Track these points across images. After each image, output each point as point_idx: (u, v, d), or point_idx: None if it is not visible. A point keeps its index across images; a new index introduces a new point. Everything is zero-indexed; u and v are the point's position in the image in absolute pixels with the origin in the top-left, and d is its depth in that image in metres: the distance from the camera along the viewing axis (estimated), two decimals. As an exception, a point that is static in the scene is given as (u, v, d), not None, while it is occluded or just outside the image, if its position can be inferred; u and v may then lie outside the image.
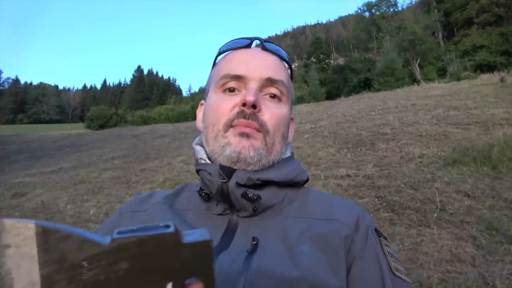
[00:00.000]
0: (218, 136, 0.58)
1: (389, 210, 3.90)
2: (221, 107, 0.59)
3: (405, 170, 4.98)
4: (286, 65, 0.67)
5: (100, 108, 39.32)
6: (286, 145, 0.64)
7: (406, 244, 3.16)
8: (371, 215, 3.78)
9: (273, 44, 0.66)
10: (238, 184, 0.56)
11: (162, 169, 7.34)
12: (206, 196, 0.60)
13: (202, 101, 0.69)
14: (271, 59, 0.63)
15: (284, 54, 0.66)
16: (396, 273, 0.57)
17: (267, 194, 0.58)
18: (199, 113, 0.69)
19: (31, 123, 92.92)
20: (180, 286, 0.31)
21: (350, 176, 5.08)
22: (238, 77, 0.59)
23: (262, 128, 0.57)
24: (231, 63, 0.61)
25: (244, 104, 0.56)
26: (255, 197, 0.56)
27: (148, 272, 0.30)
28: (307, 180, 0.67)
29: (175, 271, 0.31)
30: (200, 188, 0.62)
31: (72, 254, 0.28)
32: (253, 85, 0.58)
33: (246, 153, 0.56)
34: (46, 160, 11.75)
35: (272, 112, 0.59)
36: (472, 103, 9.46)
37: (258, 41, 0.65)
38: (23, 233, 0.28)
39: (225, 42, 0.67)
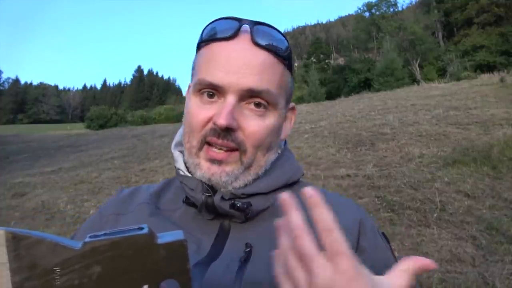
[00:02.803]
0: (192, 152, 0.55)
1: (389, 210, 3.90)
2: (196, 118, 0.53)
3: (405, 170, 4.98)
4: (280, 59, 0.55)
5: (100, 108, 39.30)
6: (274, 153, 0.58)
7: (406, 244, 3.16)
8: (371, 215, 3.78)
9: (266, 31, 0.54)
10: (224, 199, 0.53)
11: (162, 169, 7.34)
12: (193, 205, 0.56)
13: (190, 84, 0.62)
14: (259, 59, 0.52)
15: (278, 44, 0.54)
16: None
17: (258, 200, 0.54)
18: (187, 96, 0.62)
19: (31, 123, 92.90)
20: None
21: (350, 176, 5.08)
22: (215, 86, 0.52)
23: (238, 147, 0.52)
24: (210, 64, 0.52)
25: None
26: (245, 206, 0.52)
27: (122, 274, 0.30)
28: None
29: (150, 272, 0.31)
30: (186, 197, 0.57)
31: (44, 259, 0.28)
32: (229, 99, 0.51)
33: (217, 178, 0.52)
34: (46, 160, 11.75)
35: (253, 129, 0.52)
36: (472, 103, 9.46)
37: (247, 27, 0.53)
38: None
39: (212, 21, 0.56)
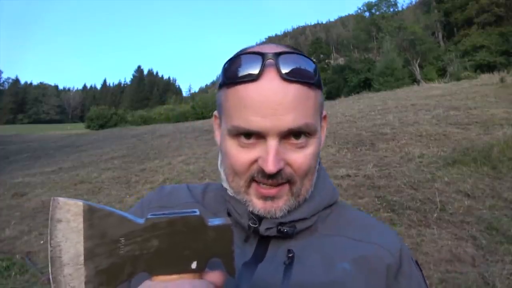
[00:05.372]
0: (240, 191, 0.55)
1: (389, 210, 3.90)
2: (239, 161, 0.52)
3: (405, 170, 4.98)
4: (311, 86, 0.52)
5: (100, 108, 39.28)
6: (316, 172, 0.59)
7: (406, 244, 3.16)
8: (371, 215, 3.79)
9: (291, 60, 0.50)
10: (269, 228, 0.55)
11: (162, 169, 7.34)
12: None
13: (215, 113, 0.60)
14: (291, 94, 0.49)
15: (306, 71, 0.51)
16: None
17: (301, 223, 0.57)
18: (215, 126, 0.62)
19: (31, 123, 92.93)
20: (203, 266, 0.36)
21: (350, 176, 5.08)
22: (253, 132, 0.50)
23: (288, 181, 0.52)
24: (242, 110, 0.50)
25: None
26: (292, 230, 0.55)
27: (175, 250, 0.35)
28: None
29: (199, 250, 0.35)
30: (229, 213, 0.60)
31: (112, 230, 0.33)
32: (272, 143, 0.49)
33: (272, 214, 0.53)
34: (46, 160, 11.75)
35: (300, 162, 0.52)
36: (472, 103, 9.46)
37: (272, 61, 0.49)
38: (73, 210, 0.32)
39: (233, 58, 0.53)
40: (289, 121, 0.49)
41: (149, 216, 0.34)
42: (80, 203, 0.32)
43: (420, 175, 4.73)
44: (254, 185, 0.53)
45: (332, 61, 58.36)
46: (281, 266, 0.52)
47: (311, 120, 0.51)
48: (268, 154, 0.49)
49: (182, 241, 0.34)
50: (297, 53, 0.52)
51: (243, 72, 0.50)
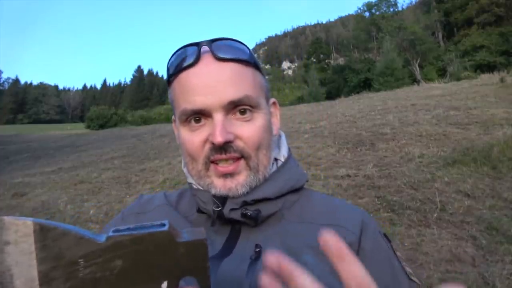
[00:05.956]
0: (201, 175, 0.57)
1: (389, 210, 3.90)
2: (192, 145, 0.56)
3: (405, 170, 4.98)
4: (246, 64, 0.57)
5: (100, 108, 39.31)
6: (273, 150, 0.61)
7: (406, 244, 3.16)
8: (371, 215, 3.79)
9: (224, 44, 0.55)
10: (234, 209, 0.55)
11: (162, 169, 7.33)
12: (206, 214, 0.60)
13: (174, 118, 0.64)
14: (227, 71, 0.54)
15: (239, 51, 0.56)
16: (412, 277, 0.58)
17: (266, 206, 0.57)
18: (175, 130, 0.65)
19: (31, 123, 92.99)
20: (175, 285, 0.32)
21: (350, 176, 5.08)
22: (198, 111, 0.54)
23: (242, 155, 0.55)
24: (186, 94, 0.55)
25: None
26: (256, 214, 0.55)
27: (142, 269, 0.30)
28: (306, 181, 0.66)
29: (169, 269, 0.31)
30: (199, 208, 0.61)
31: (69, 251, 0.29)
32: (217, 117, 0.53)
33: (234, 192, 0.55)
34: (46, 160, 11.76)
35: (248, 135, 0.55)
36: (472, 103, 9.46)
37: (206, 48, 0.55)
38: (21, 230, 0.28)
39: (172, 54, 0.59)
40: (229, 94, 0.53)
41: (110, 234, 0.30)
42: (29, 222, 0.28)
43: (420, 175, 4.73)
44: (212, 166, 0.55)
45: (332, 61, 58.39)
46: (246, 261, 0.52)
47: (251, 93, 0.55)
48: (215, 127, 0.53)
49: (149, 260, 0.31)
50: (231, 39, 0.57)
51: (183, 62, 0.56)
